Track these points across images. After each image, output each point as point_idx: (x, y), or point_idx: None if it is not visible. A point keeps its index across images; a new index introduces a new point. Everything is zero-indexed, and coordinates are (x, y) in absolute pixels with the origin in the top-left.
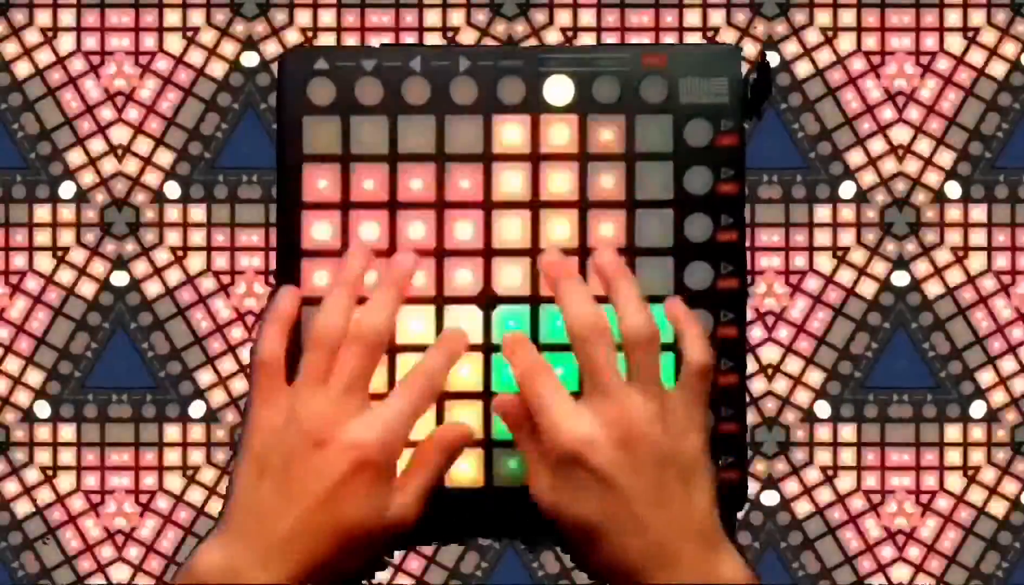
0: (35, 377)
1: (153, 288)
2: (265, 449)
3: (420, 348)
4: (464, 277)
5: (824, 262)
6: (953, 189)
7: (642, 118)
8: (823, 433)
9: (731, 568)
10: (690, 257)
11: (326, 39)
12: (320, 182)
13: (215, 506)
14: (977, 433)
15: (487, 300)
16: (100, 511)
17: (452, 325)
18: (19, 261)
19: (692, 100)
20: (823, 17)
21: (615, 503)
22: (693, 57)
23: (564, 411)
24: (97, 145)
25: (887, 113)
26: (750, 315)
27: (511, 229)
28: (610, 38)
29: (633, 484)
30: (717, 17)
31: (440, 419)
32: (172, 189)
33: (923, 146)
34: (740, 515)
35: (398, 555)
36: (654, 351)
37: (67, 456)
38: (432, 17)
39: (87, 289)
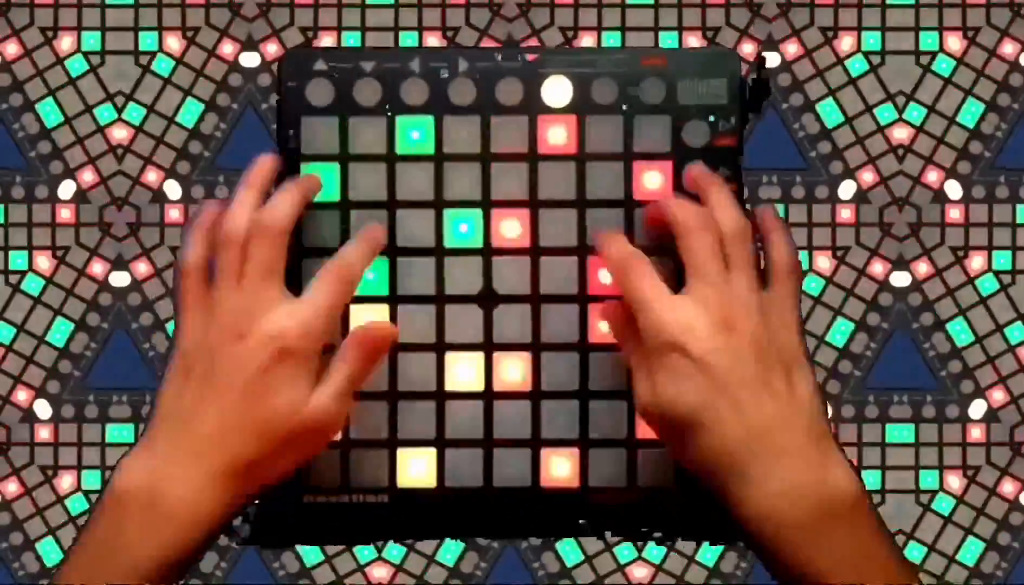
0: (35, 377)
1: (153, 288)
2: (191, 351)
3: (422, 348)
4: (464, 277)
5: (824, 262)
6: (953, 189)
7: (641, 119)
8: None
9: (842, 471)
10: None
11: (326, 39)
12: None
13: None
14: (977, 433)
15: (487, 300)
16: None
17: (453, 321)
18: (19, 261)
19: (691, 101)
20: (823, 17)
21: (715, 389)
22: (692, 58)
23: (662, 301)
24: (97, 145)
25: (887, 113)
26: None
27: (510, 229)
28: (610, 38)
29: (733, 368)
30: (717, 17)
31: (441, 416)
32: (172, 189)
33: (923, 146)
34: None
35: (398, 555)
36: (749, 244)
37: (67, 456)
38: (432, 17)
39: (87, 289)
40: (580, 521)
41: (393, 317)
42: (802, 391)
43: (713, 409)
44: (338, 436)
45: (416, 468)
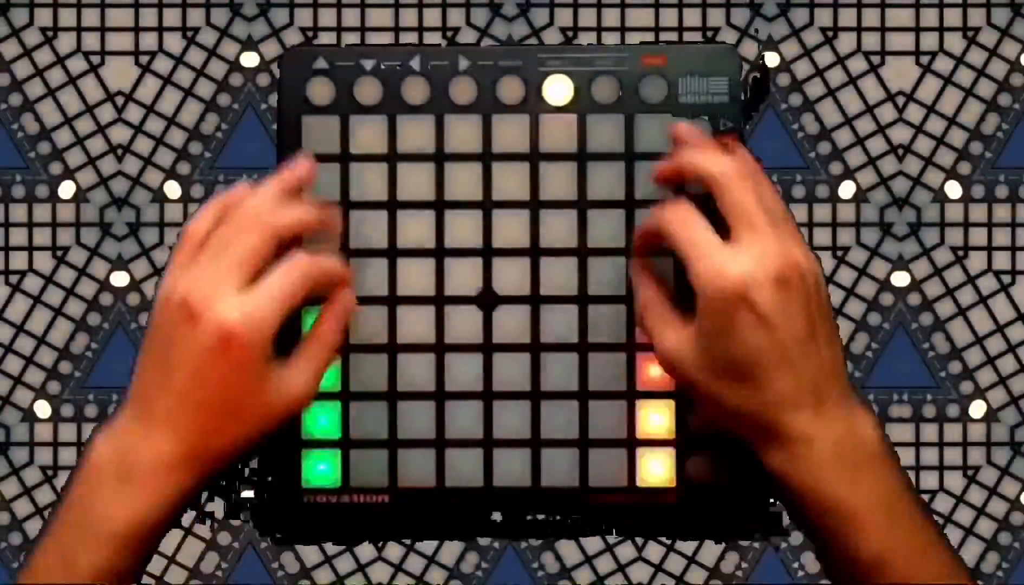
0: (35, 377)
1: (153, 288)
2: (155, 324)
3: (420, 348)
4: (464, 277)
5: (824, 262)
6: (953, 189)
7: (641, 118)
8: None
9: (868, 420)
10: None
11: (326, 39)
12: (320, 181)
13: (215, 506)
14: (977, 433)
15: (487, 300)
16: None
17: (453, 321)
18: (19, 261)
19: (691, 100)
20: (823, 17)
21: (774, 348)
22: (693, 57)
23: (722, 253)
24: (97, 145)
25: (887, 113)
26: None
27: (510, 228)
28: (610, 38)
29: (789, 328)
30: (717, 17)
31: (441, 416)
32: (172, 189)
33: (923, 146)
34: None
35: (398, 555)
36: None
37: (67, 456)
38: (432, 17)
39: (87, 289)
40: (580, 520)
41: (393, 318)
42: (837, 347)
43: (770, 367)
44: (338, 436)
45: (416, 468)
